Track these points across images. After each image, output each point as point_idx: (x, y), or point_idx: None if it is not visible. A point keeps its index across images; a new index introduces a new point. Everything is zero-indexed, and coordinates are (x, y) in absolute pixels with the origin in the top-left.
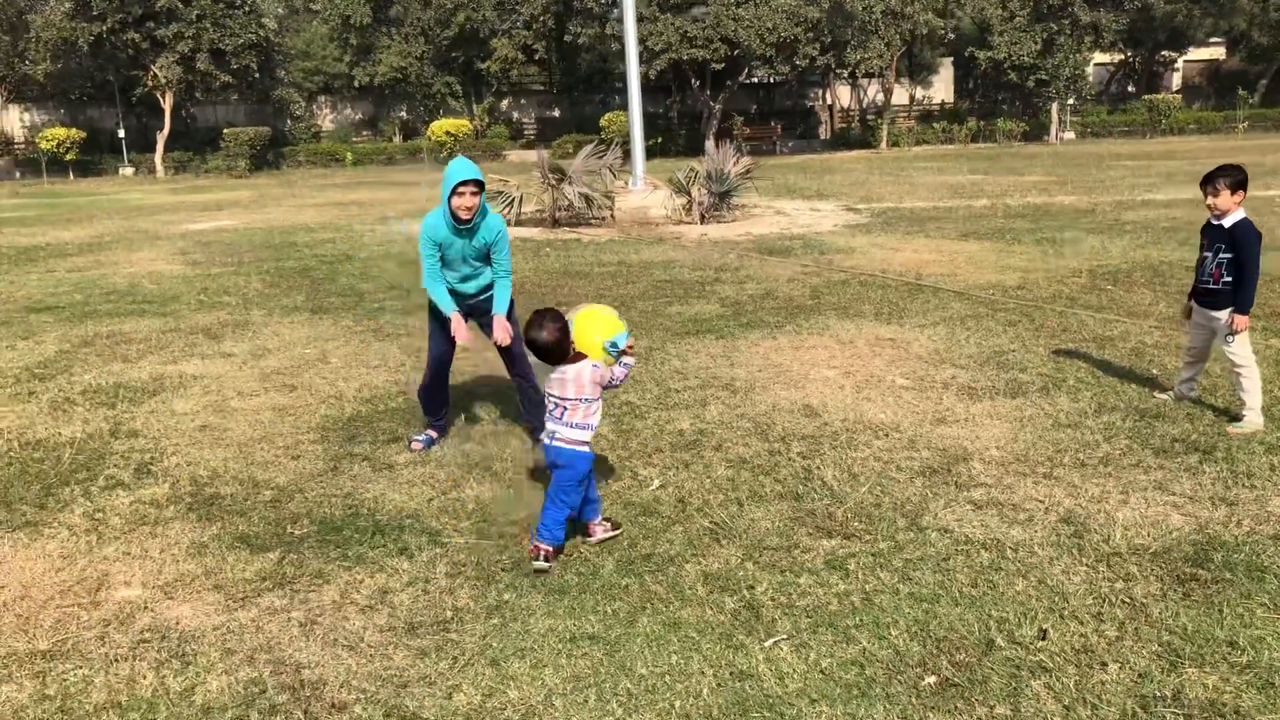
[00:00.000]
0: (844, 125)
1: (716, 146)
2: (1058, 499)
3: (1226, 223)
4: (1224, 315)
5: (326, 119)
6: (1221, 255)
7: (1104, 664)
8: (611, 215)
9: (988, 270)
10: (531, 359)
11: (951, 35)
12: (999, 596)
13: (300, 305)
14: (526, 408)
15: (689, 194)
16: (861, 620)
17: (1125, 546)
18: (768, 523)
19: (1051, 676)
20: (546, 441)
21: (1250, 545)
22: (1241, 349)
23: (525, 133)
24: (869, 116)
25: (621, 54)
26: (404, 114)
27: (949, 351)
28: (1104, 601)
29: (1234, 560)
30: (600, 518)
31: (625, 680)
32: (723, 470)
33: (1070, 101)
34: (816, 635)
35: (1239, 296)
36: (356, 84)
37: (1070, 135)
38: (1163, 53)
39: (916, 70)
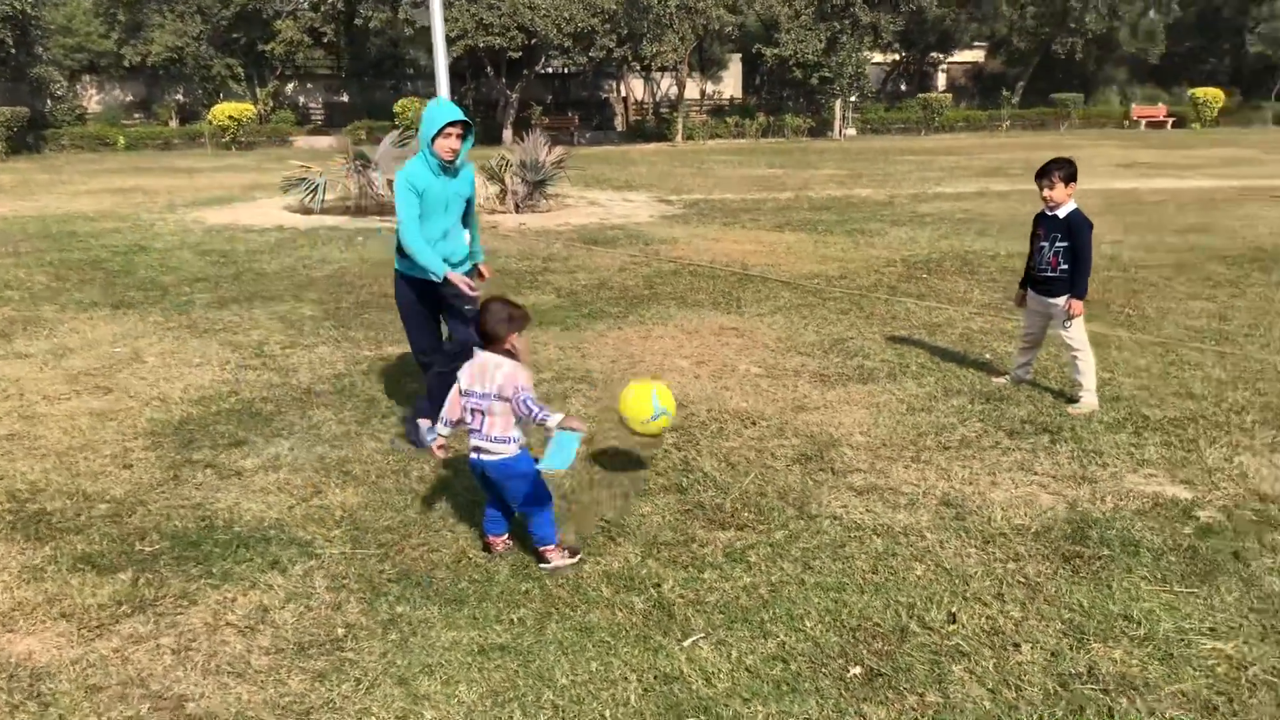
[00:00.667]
0: (638, 118)
1: (515, 137)
2: (932, 482)
3: (1061, 213)
4: (1061, 301)
5: (92, 100)
6: (1058, 244)
7: (1016, 645)
8: None
9: (807, 260)
10: None
11: (738, 32)
12: (901, 582)
13: (98, 300)
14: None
15: (503, 182)
16: (774, 613)
17: (1007, 527)
18: (658, 517)
19: (970, 660)
20: (474, 457)
21: (1120, 521)
22: (1078, 333)
23: (313, 118)
24: (662, 110)
25: (414, 39)
26: (180, 96)
27: (792, 339)
28: (1001, 582)
29: (1108, 536)
30: (559, 542)
31: (547, 691)
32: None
33: (852, 99)
34: (733, 631)
35: (1075, 283)
36: (126, 63)
37: (852, 131)
38: (932, 54)
39: (707, 65)
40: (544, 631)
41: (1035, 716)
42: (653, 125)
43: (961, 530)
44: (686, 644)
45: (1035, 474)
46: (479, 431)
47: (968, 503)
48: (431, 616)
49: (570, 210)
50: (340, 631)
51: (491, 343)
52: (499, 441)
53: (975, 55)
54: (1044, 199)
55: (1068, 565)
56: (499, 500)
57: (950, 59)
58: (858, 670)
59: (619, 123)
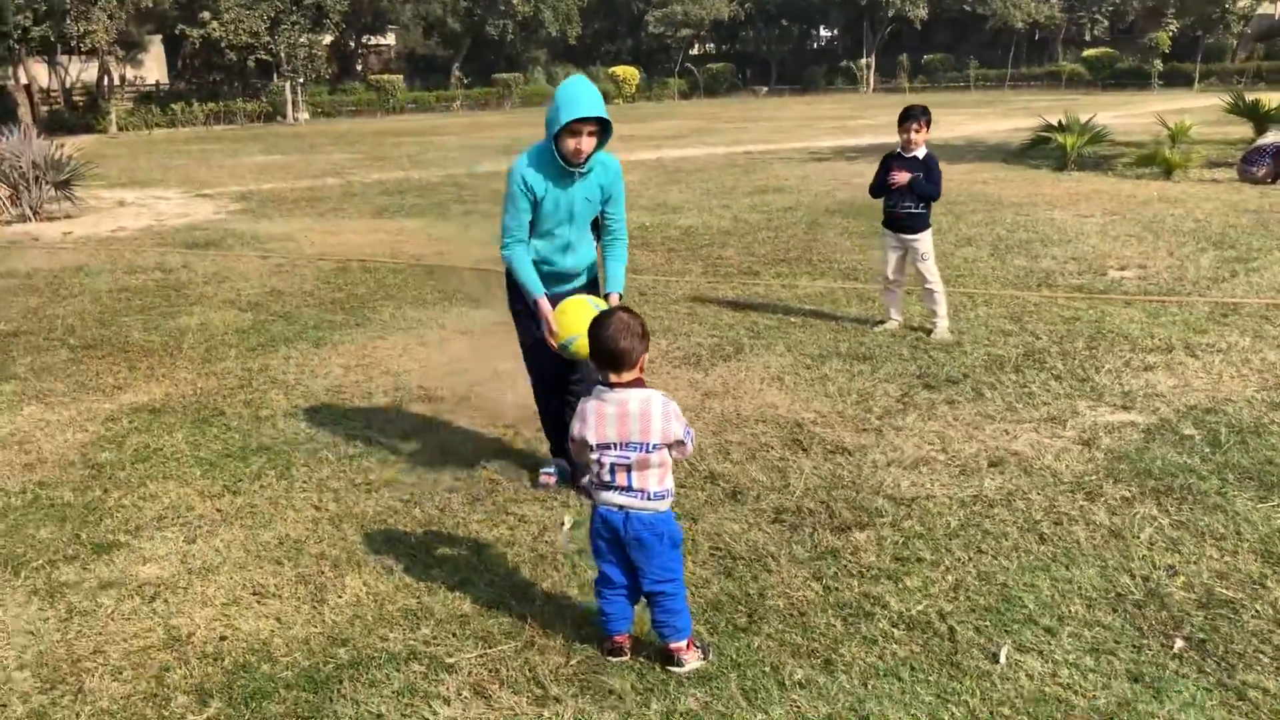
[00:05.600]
0: (49, 107)
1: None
2: (956, 446)
3: (920, 154)
4: (917, 237)
5: None
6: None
7: (1260, 583)
8: None
9: (468, 245)
10: None
11: (154, 9)
12: (1083, 547)
13: None
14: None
15: (13, 186)
16: (1025, 606)
17: (1075, 475)
18: (757, 533)
19: (1249, 609)
20: (611, 511)
21: (1145, 451)
22: (932, 266)
23: None
24: (75, 98)
25: None
26: None
27: None
28: (1157, 529)
29: (1163, 467)
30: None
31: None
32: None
33: (300, 81)
34: (1016, 634)
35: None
36: None
37: (305, 116)
38: (367, 35)
39: (126, 47)
40: (851, 690)
41: None
42: (73, 115)
43: (1049, 487)
44: (1003, 660)
45: (1012, 422)
46: (626, 489)
47: (1010, 460)
48: (702, 705)
49: (109, 213)
50: None
51: (619, 369)
52: (658, 497)
53: (391, 39)
54: (907, 142)
55: (1175, 499)
56: (627, 577)
57: (381, 40)
58: (1181, 643)
59: (24, 113)
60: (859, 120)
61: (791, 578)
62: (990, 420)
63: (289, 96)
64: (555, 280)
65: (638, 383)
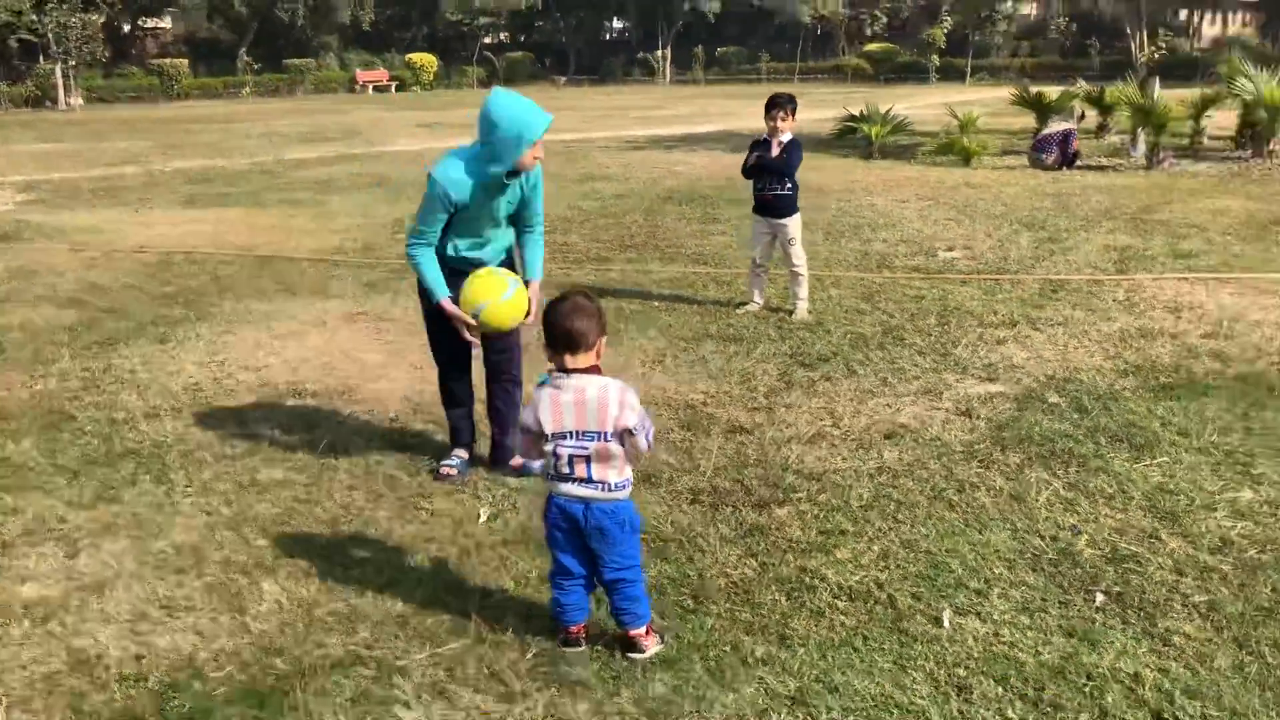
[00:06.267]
0: None
1: None
2: (847, 423)
3: (784, 139)
4: (787, 220)
5: None
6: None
7: (1156, 537)
8: None
9: (296, 235)
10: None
11: None
12: (987, 513)
13: None
14: (500, 420)
15: None
16: (952, 572)
17: (962, 444)
18: (682, 516)
19: (1151, 562)
20: (569, 503)
21: (1019, 421)
22: (800, 250)
23: None
24: None
25: None
26: None
27: None
28: (1053, 492)
29: (1041, 433)
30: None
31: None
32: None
33: (73, 64)
34: (949, 597)
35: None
36: None
37: (79, 101)
38: (143, 17)
39: None
40: (820, 656)
41: (1271, 585)
42: None
43: (944, 457)
44: (947, 624)
45: (891, 396)
46: (587, 480)
47: (901, 432)
48: (672, 689)
49: None
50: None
51: (574, 350)
52: (619, 488)
53: (180, 20)
54: (773, 129)
55: (1061, 463)
56: (585, 566)
57: (159, 23)
58: (1101, 597)
59: None
60: (663, 111)
61: (726, 556)
62: (871, 395)
63: (60, 80)
64: (472, 267)
65: (595, 370)
